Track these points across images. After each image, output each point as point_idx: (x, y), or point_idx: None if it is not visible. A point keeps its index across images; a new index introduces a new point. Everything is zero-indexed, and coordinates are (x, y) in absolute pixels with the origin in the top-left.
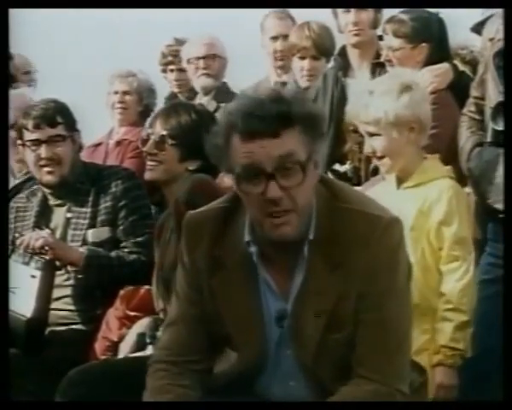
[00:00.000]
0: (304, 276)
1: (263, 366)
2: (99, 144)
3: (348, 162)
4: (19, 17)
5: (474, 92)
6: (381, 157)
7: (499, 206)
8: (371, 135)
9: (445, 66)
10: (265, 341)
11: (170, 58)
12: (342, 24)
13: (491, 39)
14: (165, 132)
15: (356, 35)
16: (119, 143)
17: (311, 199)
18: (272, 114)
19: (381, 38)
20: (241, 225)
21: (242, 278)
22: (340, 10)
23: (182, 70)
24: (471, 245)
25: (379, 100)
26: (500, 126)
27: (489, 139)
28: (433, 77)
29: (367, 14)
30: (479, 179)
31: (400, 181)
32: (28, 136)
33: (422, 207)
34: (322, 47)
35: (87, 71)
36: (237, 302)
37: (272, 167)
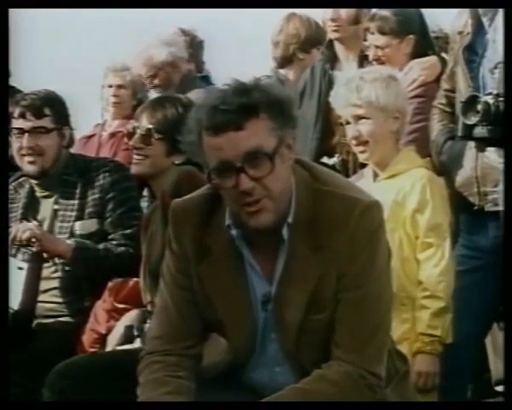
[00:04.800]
0: (285, 259)
1: (252, 350)
2: (91, 136)
3: (336, 155)
4: (19, 17)
5: (444, 85)
6: (365, 142)
7: (473, 199)
8: (359, 118)
9: (432, 58)
10: (254, 325)
11: None
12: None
13: (459, 32)
14: (151, 126)
15: (334, 31)
16: (113, 134)
17: (287, 183)
18: (235, 106)
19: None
20: (225, 211)
21: (229, 263)
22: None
23: None
24: (446, 231)
25: (371, 85)
26: (471, 121)
27: (459, 133)
28: (420, 70)
29: (346, 11)
30: (452, 172)
31: (376, 174)
32: (13, 123)
33: (397, 198)
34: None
35: (86, 68)
36: (225, 288)
37: (240, 162)
